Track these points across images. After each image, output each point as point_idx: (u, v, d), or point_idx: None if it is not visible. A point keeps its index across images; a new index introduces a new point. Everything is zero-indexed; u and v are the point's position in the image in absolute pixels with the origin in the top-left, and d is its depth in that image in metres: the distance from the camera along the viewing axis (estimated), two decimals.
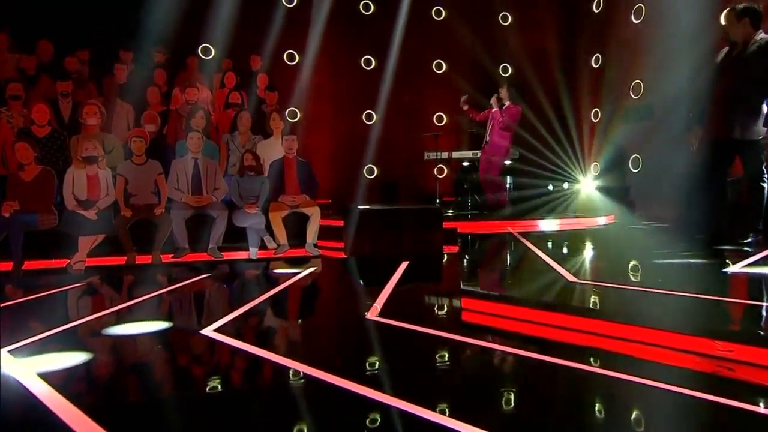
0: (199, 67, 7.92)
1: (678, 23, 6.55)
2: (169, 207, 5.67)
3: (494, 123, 7.43)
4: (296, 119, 8.58)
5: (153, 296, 4.06)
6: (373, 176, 9.59)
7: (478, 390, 2.19)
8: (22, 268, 5.01)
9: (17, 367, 2.37)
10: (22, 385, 2.17)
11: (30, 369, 2.33)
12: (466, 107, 7.68)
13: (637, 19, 8.08)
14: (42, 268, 5.21)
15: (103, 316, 3.48)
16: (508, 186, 8.03)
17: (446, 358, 2.61)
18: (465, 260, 4.60)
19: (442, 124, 9.72)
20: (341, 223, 6.41)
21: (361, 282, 5.10)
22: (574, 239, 6.16)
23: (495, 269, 4.67)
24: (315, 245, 6.00)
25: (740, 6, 4.24)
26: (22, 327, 3.15)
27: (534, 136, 8.47)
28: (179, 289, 4.43)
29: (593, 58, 9.01)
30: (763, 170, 4.34)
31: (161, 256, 5.48)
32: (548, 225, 7.18)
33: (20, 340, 2.77)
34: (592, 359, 2.42)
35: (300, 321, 3.70)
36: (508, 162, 7.73)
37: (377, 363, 2.49)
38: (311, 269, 5.24)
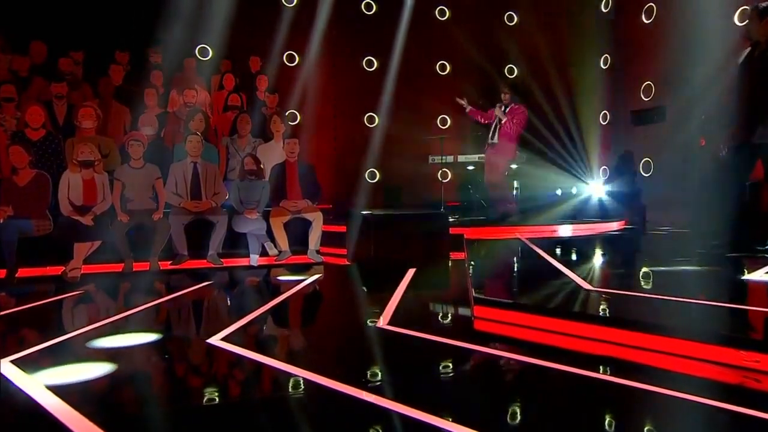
0: (196, 68, 7.75)
1: (692, 22, 6.37)
2: (168, 212, 5.53)
3: (501, 125, 7.26)
4: (296, 122, 8.43)
5: (152, 305, 3.95)
6: (375, 180, 9.43)
7: (496, 400, 2.11)
8: (17, 275, 4.88)
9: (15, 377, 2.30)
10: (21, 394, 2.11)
11: (27, 381, 2.25)
12: (468, 108, 7.52)
13: (647, 19, 7.92)
14: (36, 276, 5.08)
15: (99, 326, 3.30)
16: (515, 191, 7.87)
17: (467, 368, 2.52)
18: (473, 267, 4.47)
19: (446, 126, 9.55)
20: (343, 228, 6.26)
21: (368, 289, 4.93)
22: (585, 245, 6.01)
23: (511, 277, 4.50)
24: (317, 252, 5.86)
25: (763, 4, 4.08)
26: (16, 338, 3.06)
27: (541, 139, 8.32)
28: (179, 298, 4.29)
29: (602, 59, 8.85)
30: None
31: (159, 263, 5.34)
32: (560, 231, 7.02)
33: (15, 352, 2.67)
34: (618, 371, 2.32)
35: (310, 329, 3.58)
36: (514, 166, 7.57)
37: (393, 373, 2.39)
38: (315, 276, 5.11)
